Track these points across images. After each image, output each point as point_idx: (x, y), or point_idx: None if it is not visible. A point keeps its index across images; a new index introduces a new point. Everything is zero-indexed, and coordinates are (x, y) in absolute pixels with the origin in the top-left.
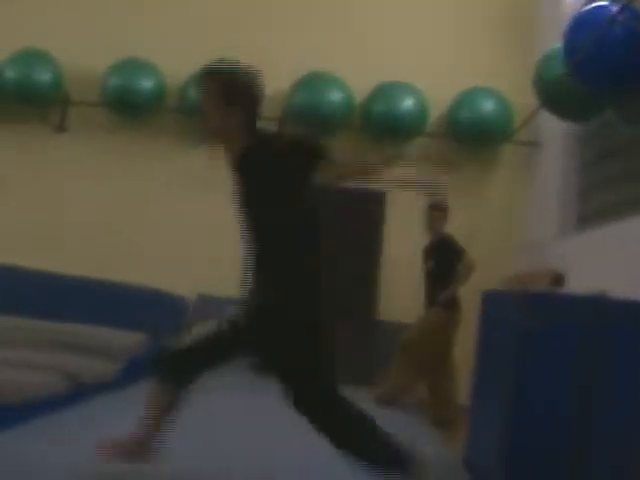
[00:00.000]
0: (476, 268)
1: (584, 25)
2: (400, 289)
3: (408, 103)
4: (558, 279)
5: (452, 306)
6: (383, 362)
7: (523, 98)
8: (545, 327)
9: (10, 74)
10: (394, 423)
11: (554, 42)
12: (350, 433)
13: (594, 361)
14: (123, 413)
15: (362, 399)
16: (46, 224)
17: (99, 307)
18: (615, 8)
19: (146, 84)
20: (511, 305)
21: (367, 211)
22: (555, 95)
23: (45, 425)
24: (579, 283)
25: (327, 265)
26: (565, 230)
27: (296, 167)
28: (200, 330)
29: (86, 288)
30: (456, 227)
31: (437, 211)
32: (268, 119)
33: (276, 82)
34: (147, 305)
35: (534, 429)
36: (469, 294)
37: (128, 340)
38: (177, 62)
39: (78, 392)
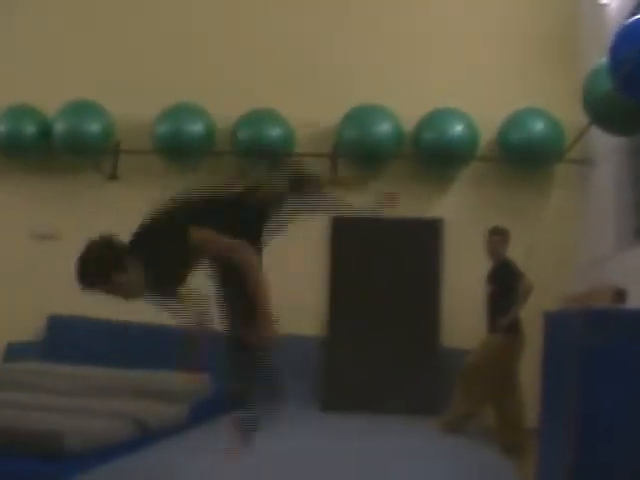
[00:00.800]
0: (534, 290)
1: (628, 38)
2: (463, 315)
3: (458, 129)
4: (619, 295)
5: (513, 330)
6: (448, 389)
7: (573, 116)
8: (609, 344)
9: (62, 126)
10: (462, 450)
11: (600, 57)
12: None
13: None
14: (191, 455)
15: (427, 427)
16: None
17: (162, 352)
18: None
19: (196, 128)
20: (574, 324)
21: (425, 239)
22: (604, 110)
23: (114, 471)
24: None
25: None
26: (623, 245)
27: None
28: None
29: (148, 333)
30: (514, 249)
31: (497, 235)
32: (319, 155)
33: (325, 117)
34: (211, 346)
35: (603, 448)
36: (531, 316)
37: (192, 382)
38: (226, 104)
39: (145, 437)
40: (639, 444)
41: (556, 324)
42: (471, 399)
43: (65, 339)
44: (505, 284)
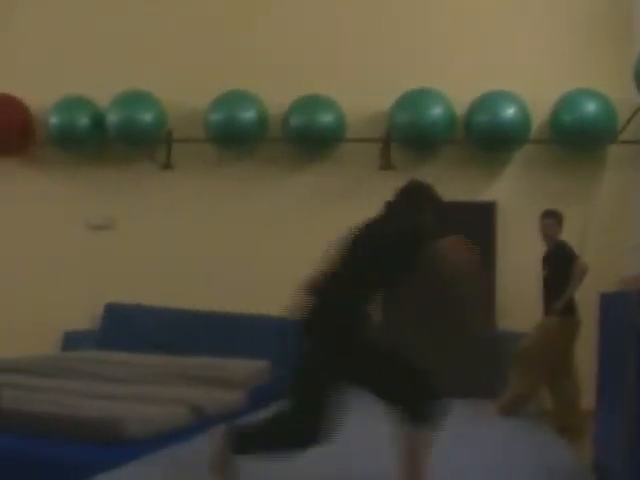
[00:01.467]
0: (588, 272)
1: None
2: (518, 298)
3: (510, 111)
4: None
5: (568, 312)
6: (504, 372)
7: (625, 96)
8: None
9: (114, 117)
10: (519, 432)
11: None
12: None
13: None
14: None
15: (486, 411)
16: (160, 260)
17: (221, 339)
18: None
19: (248, 115)
20: (629, 305)
21: (478, 222)
22: None
23: (171, 457)
24: None
25: None
26: None
27: None
28: None
29: (207, 321)
30: (568, 231)
31: (550, 218)
32: (372, 140)
33: (377, 102)
34: (269, 332)
35: None
36: (587, 298)
37: (251, 369)
38: (277, 90)
39: (203, 423)
40: None
41: (612, 305)
42: (527, 382)
43: (122, 327)
44: (560, 267)
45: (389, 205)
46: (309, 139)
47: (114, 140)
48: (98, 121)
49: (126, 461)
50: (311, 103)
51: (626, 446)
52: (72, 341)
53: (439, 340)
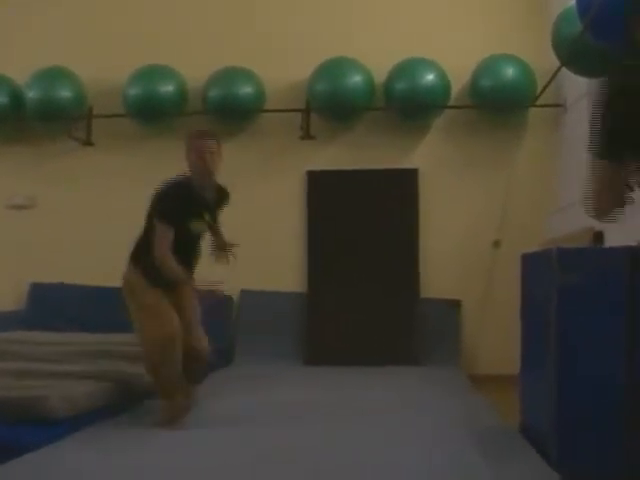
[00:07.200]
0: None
1: None
2: (438, 265)
3: (429, 78)
4: (597, 237)
5: None
6: (428, 339)
7: (544, 60)
8: (584, 281)
9: (33, 93)
10: (448, 396)
11: (568, 1)
12: None
13: (636, 311)
14: None
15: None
16: (83, 238)
17: None
18: None
19: (167, 90)
20: (550, 263)
21: (400, 189)
22: (574, 54)
23: (99, 434)
24: (617, 237)
25: None
26: None
27: None
28: None
29: None
30: (491, 196)
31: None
32: (292, 110)
33: (296, 72)
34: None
35: (582, 384)
36: (512, 260)
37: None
38: (196, 63)
39: (130, 399)
40: (615, 379)
41: (533, 265)
42: None
43: (47, 307)
44: None
45: None
46: (228, 111)
47: (33, 118)
48: (17, 99)
49: (52, 440)
50: (229, 75)
51: (550, 405)
52: None
53: (365, 308)
